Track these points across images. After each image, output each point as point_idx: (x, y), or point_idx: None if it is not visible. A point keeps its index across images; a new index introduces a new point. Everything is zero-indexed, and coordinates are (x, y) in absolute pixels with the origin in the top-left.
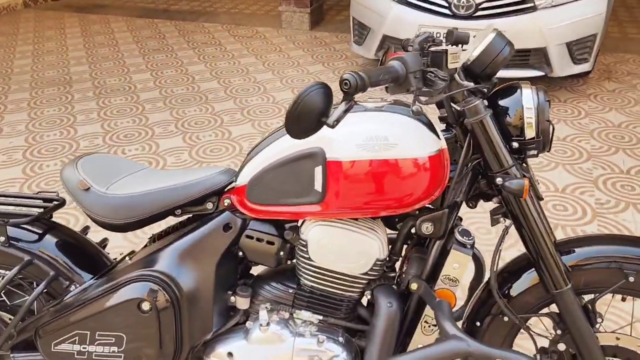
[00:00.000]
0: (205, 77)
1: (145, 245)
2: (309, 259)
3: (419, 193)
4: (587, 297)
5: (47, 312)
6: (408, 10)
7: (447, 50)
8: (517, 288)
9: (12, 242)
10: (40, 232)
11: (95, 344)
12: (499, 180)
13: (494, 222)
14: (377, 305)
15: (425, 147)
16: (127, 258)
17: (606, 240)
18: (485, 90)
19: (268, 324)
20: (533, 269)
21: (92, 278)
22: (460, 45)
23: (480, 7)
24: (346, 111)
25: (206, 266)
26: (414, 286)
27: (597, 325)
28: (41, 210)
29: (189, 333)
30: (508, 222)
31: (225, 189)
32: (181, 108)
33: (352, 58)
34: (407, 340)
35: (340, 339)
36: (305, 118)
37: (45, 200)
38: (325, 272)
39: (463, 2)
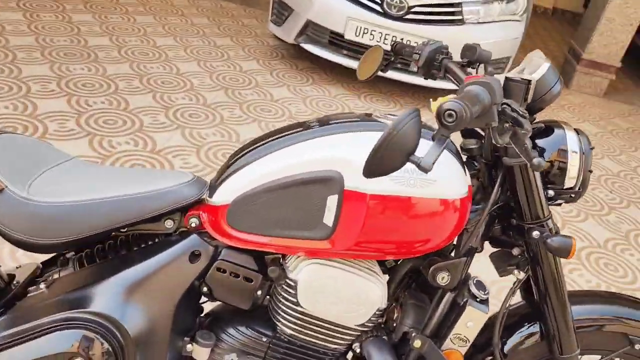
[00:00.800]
0: (94, 30)
1: (63, 262)
2: (296, 303)
3: (442, 236)
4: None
5: None
6: (339, 1)
7: (530, 80)
8: (513, 344)
9: None
10: None
11: None
12: (535, 234)
13: (504, 273)
14: (371, 353)
15: (459, 186)
16: (41, 285)
17: (613, 300)
18: (535, 128)
19: None
20: (534, 323)
21: None
22: (481, 65)
23: (412, 9)
24: (442, 150)
25: (163, 306)
26: (417, 344)
27: None
28: None
29: None
30: (523, 274)
31: (191, 206)
32: (64, 64)
33: (262, 37)
34: None
35: None
36: (392, 156)
37: None
38: (315, 322)
39: (396, 2)
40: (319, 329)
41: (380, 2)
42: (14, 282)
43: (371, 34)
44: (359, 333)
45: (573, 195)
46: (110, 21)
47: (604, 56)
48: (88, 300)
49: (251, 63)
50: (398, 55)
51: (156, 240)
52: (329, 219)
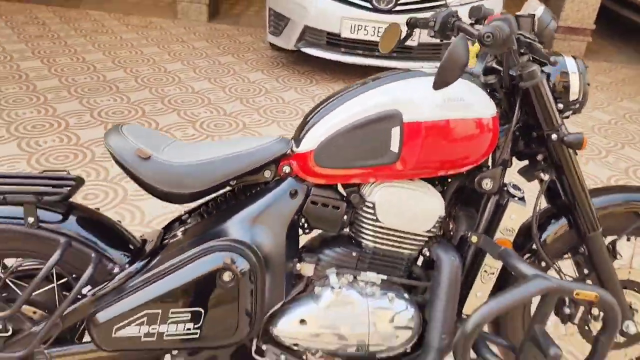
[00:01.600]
0: (108, 65)
1: (183, 221)
2: (376, 220)
3: (482, 152)
4: (609, 239)
5: (99, 296)
6: (331, 2)
7: (535, 14)
8: (547, 235)
9: (40, 224)
10: (63, 212)
11: (168, 322)
12: (554, 135)
13: (532, 177)
14: (440, 261)
15: (489, 108)
16: (178, 233)
17: (622, 190)
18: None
19: (340, 288)
20: (560, 218)
21: (137, 259)
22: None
23: (399, 2)
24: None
25: (277, 232)
26: (474, 239)
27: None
28: (66, 188)
29: (265, 302)
30: (547, 176)
31: (282, 158)
32: (91, 97)
33: (260, 50)
34: (464, 291)
35: (405, 295)
36: (453, 69)
37: (61, 179)
38: (392, 232)
39: None
40: (395, 238)
41: None
42: (148, 242)
43: (365, 29)
44: (427, 239)
45: (577, 105)
46: (120, 55)
47: (578, 20)
48: (223, 233)
49: (256, 74)
50: (414, 28)
51: (258, 188)
52: (394, 146)
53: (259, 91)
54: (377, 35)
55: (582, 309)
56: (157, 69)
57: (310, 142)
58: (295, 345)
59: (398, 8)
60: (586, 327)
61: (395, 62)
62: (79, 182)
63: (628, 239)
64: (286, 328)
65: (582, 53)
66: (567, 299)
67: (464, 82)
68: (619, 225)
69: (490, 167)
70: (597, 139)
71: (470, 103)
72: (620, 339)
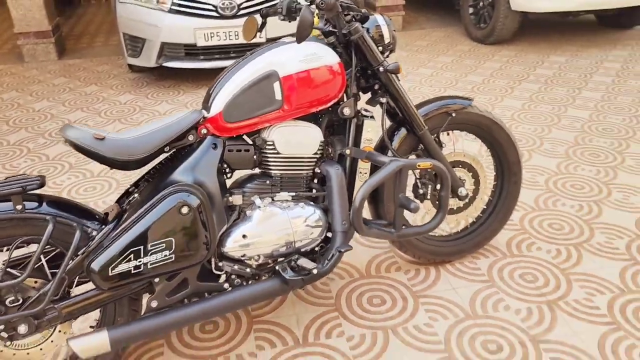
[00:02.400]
0: (17, 124)
1: (131, 192)
2: (277, 153)
3: (337, 89)
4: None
5: (90, 251)
6: (181, 17)
7: None
8: (395, 143)
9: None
10: (38, 201)
11: (149, 254)
12: (381, 69)
13: (375, 103)
14: (328, 173)
15: (335, 57)
16: (135, 196)
17: (437, 99)
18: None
19: (264, 207)
20: (401, 129)
21: (108, 223)
22: None
23: (241, 7)
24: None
25: (210, 176)
26: (347, 152)
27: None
28: (36, 181)
29: (214, 226)
30: (384, 100)
31: (198, 123)
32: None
33: (120, 75)
34: (350, 192)
35: (311, 203)
36: (305, 28)
37: (26, 178)
38: (290, 159)
39: (227, 5)
40: (293, 163)
41: (214, 8)
42: (110, 211)
43: (217, 35)
44: (315, 160)
45: (391, 46)
46: None
47: (391, 0)
48: (172, 183)
49: (125, 96)
50: (267, 17)
51: (187, 150)
52: (278, 95)
53: (133, 110)
54: (229, 39)
55: (430, 187)
56: (25, 110)
57: (217, 106)
58: (243, 256)
59: (241, 13)
60: (436, 201)
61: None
62: (43, 177)
63: (448, 134)
64: (233, 245)
65: (400, 25)
66: (418, 183)
67: (313, 42)
68: (439, 124)
69: (346, 100)
70: (425, 89)
71: (321, 55)
72: (459, 203)
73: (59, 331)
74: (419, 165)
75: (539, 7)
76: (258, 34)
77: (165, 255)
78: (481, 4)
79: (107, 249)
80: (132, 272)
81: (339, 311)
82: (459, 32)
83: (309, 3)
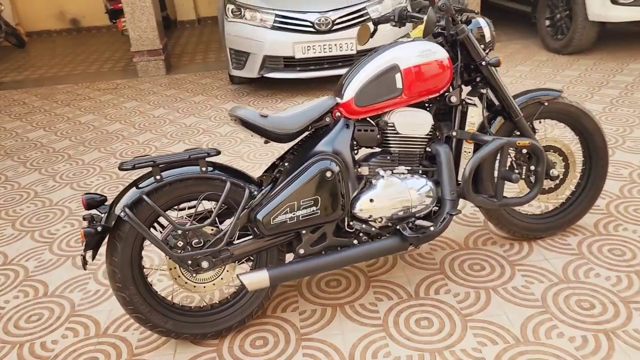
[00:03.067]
0: (104, 122)
1: (277, 165)
2: (397, 133)
3: (446, 80)
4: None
5: (255, 205)
6: (282, 33)
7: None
8: (493, 129)
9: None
10: (212, 166)
11: (301, 209)
12: (483, 62)
13: (476, 93)
14: (438, 152)
15: (445, 53)
16: (285, 165)
17: (530, 91)
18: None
19: (387, 177)
20: (498, 117)
21: (265, 186)
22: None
23: (335, 23)
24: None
25: (345, 150)
26: (454, 134)
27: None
28: (214, 150)
29: (349, 190)
30: (485, 90)
31: (333, 108)
32: (107, 145)
33: (222, 87)
34: (456, 168)
35: (424, 176)
36: (431, 26)
37: (202, 151)
38: (407, 139)
39: (322, 21)
40: (410, 142)
41: (311, 24)
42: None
43: (314, 49)
44: (427, 140)
45: (491, 45)
46: (108, 113)
47: None
48: (316, 154)
49: (230, 104)
50: (379, 24)
51: (325, 129)
52: (399, 84)
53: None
54: (324, 52)
55: (524, 167)
56: (146, 117)
57: (349, 93)
58: (369, 217)
59: (335, 27)
60: (530, 180)
61: (341, 70)
62: (217, 149)
63: (540, 122)
64: (362, 207)
65: None
66: (514, 164)
67: (428, 42)
68: (532, 113)
69: (452, 90)
70: None
71: (434, 52)
72: (551, 183)
73: (227, 271)
74: (518, 143)
75: (616, 16)
76: (371, 36)
77: (313, 211)
78: (558, 15)
79: (268, 204)
80: (288, 222)
81: (444, 274)
82: (536, 43)
83: (418, 10)
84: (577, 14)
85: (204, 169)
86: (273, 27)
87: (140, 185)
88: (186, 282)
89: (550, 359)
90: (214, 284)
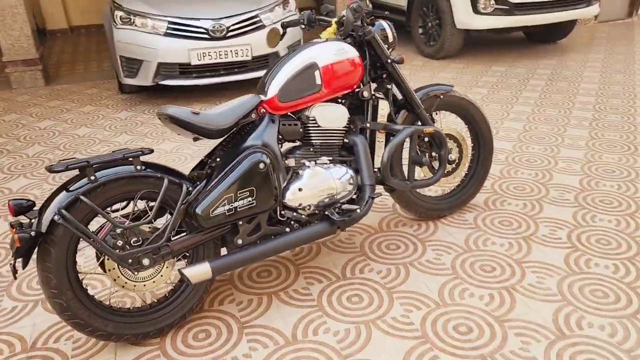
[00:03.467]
0: (29, 140)
1: (206, 163)
2: (318, 126)
3: (358, 77)
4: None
5: (192, 199)
6: (176, 40)
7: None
8: (399, 120)
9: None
10: (146, 165)
11: (238, 200)
12: (389, 60)
13: (382, 89)
14: (356, 142)
15: (356, 52)
16: (217, 160)
17: (428, 86)
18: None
19: (312, 167)
20: (402, 110)
21: (199, 181)
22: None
23: (229, 30)
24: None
25: (273, 142)
26: (368, 125)
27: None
28: (147, 149)
29: (280, 181)
30: (390, 86)
31: (258, 104)
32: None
33: (112, 97)
34: (372, 157)
35: (345, 165)
36: (350, 23)
37: (136, 150)
38: (328, 131)
39: (217, 28)
40: (329, 134)
41: (206, 31)
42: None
43: (209, 55)
44: (344, 132)
45: (394, 45)
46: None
47: None
48: (247, 149)
49: (123, 113)
50: (287, 27)
51: (251, 125)
52: (318, 81)
53: (135, 124)
54: (219, 58)
55: (427, 153)
56: (31, 129)
57: (272, 90)
58: (299, 205)
59: (230, 34)
60: (432, 165)
61: (237, 76)
62: (150, 149)
63: (437, 113)
64: (291, 196)
65: None
66: (417, 151)
67: (340, 42)
68: (430, 105)
69: (363, 86)
70: None
71: (347, 50)
72: (449, 167)
73: (166, 267)
74: (425, 131)
75: (478, 24)
76: (280, 39)
77: (249, 201)
78: (429, 24)
79: (206, 197)
80: (226, 214)
81: (365, 255)
82: (412, 50)
83: (324, 13)
84: (445, 22)
85: (138, 167)
86: (166, 34)
87: (71, 188)
88: (126, 282)
89: (466, 316)
90: (154, 282)
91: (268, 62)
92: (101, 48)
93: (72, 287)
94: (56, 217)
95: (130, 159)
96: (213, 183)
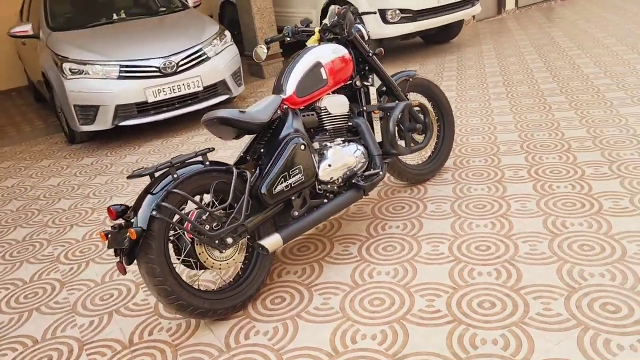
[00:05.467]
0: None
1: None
2: (329, 114)
3: (351, 71)
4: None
5: (254, 183)
6: (130, 82)
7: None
8: (383, 102)
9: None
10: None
11: (291, 177)
12: (370, 54)
13: (366, 79)
14: (359, 123)
15: (346, 50)
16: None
17: (402, 72)
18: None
19: (334, 146)
20: (383, 95)
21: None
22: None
23: (179, 66)
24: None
25: (302, 129)
26: (364, 108)
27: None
28: (209, 148)
29: (315, 159)
30: (371, 75)
31: (281, 102)
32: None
33: (63, 149)
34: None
35: (354, 142)
36: (352, 22)
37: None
38: (337, 117)
39: (167, 65)
40: (339, 119)
41: (158, 68)
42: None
43: (164, 91)
44: (348, 114)
45: (368, 42)
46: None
47: (271, 49)
48: (285, 133)
49: (86, 159)
50: (271, 43)
51: (277, 120)
52: (325, 76)
53: (106, 166)
54: (173, 93)
55: (419, 126)
56: None
57: (290, 89)
58: (330, 179)
59: (180, 69)
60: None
61: (191, 107)
62: (211, 149)
63: (408, 94)
64: (324, 172)
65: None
66: (401, 126)
67: (332, 44)
68: (403, 87)
69: (355, 77)
70: None
71: (340, 49)
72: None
73: (238, 251)
74: (413, 103)
75: (388, 33)
76: (264, 56)
77: (300, 177)
78: None
79: (266, 179)
80: (284, 190)
81: (366, 260)
82: None
83: (305, 26)
84: None
85: (207, 162)
86: (120, 77)
87: (154, 190)
88: (214, 263)
89: (486, 292)
90: (234, 259)
91: (217, 90)
92: (28, 110)
93: (173, 274)
94: (154, 213)
95: (200, 157)
96: (268, 167)
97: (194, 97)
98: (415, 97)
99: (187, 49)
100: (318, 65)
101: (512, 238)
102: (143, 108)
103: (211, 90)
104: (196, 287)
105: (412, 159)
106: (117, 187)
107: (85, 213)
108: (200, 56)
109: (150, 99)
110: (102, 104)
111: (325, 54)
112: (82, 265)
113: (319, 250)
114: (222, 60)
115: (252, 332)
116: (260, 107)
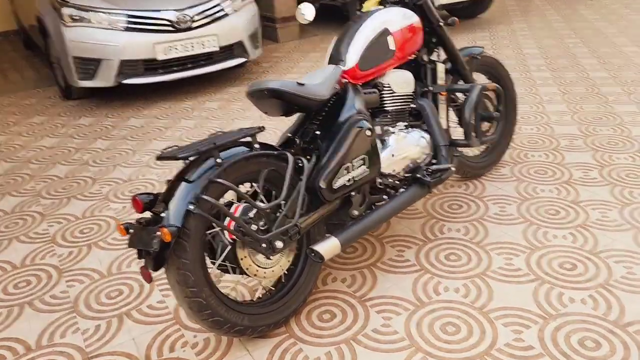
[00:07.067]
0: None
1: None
2: (393, 92)
3: (421, 41)
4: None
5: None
6: (139, 34)
7: None
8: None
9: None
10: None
11: (353, 170)
12: (441, 23)
13: (432, 52)
14: (423, 106)
15: (416, 16)
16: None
17: (468, 48)
18: None
19: (398, 132)
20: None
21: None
22: None
23: (195, 21)
24: None
25: (365, 110)
26: (431, 88)
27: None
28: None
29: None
30: (441, 49)
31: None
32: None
33: (57, 105)
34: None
35: (417, 129)
36: None
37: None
38: (400, 96)
39: (181, 19)
40: (402, 99)
41: (170, 22)
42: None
43: (176, 48)
44: (412, 95)
45: (439, 9)
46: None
47: (287, 10)
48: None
49: (84, 119)
50: (318, 1)
51: (335, 96)
52: (392, 46)
53: (110, 128)
54: (186, 51)
55: (497, 114)
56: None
57: (352, 60)
58: (393, 171)
59: (195, 25)
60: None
61: (204, 69)
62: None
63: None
64: (386, 162)
65: (297, 33)
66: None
67: (401, 8)
68: (471, 66)
69: (421, 50)
70: None
71: (410, 15)
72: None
73: (285, 255)
74: (489, 87)
75: None
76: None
77: (364, 170)
78: None
79: (325, 170)
80: (346, 184)
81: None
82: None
83: None
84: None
85: (256, 145)
86: (127, 29)
87: (192, 178)
88: (257, 270)
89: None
90: (280, 266)
91: (233, 52)
92: (17, 57)
93: (209, 283)
94: (191, 207)
95: (252, 135)
96: (326, 156)
97: (208, 58)
98: (477, 79)
99: (204, 3)
100: (385, 32)
101: (600, 256)
102: (151, 66)
103: (227, 51)
104: (232, 297)
105: (471, 151)
106: (121, 154)
107: (84, 183)
108: (218, 12)
109: (160, 57)
110: (105, 57)
111: (395, 19)
112: (84, 250)
113: (369, 254)
114: (240, 19)
115: (300, 358)
116: (318, 79)
